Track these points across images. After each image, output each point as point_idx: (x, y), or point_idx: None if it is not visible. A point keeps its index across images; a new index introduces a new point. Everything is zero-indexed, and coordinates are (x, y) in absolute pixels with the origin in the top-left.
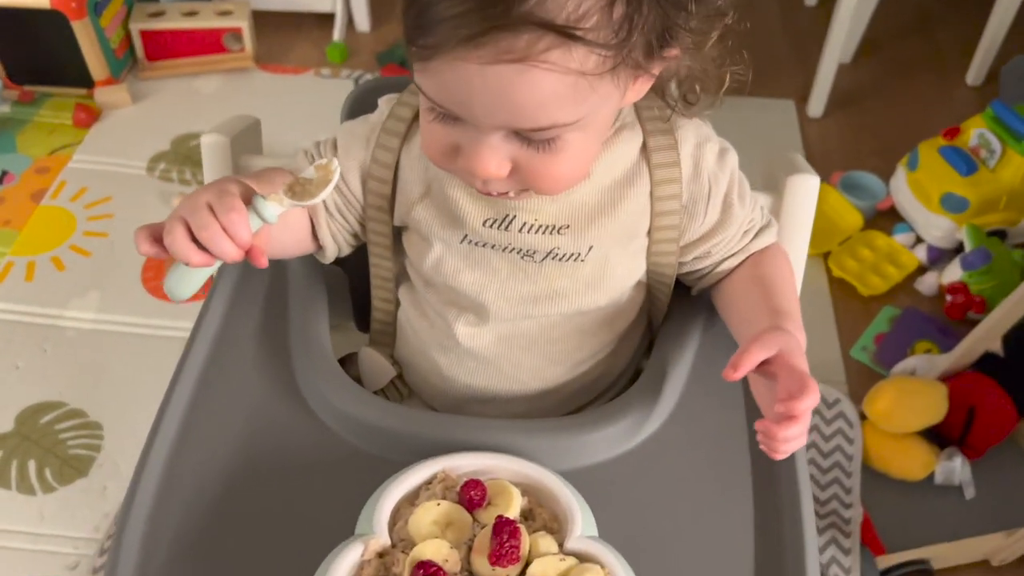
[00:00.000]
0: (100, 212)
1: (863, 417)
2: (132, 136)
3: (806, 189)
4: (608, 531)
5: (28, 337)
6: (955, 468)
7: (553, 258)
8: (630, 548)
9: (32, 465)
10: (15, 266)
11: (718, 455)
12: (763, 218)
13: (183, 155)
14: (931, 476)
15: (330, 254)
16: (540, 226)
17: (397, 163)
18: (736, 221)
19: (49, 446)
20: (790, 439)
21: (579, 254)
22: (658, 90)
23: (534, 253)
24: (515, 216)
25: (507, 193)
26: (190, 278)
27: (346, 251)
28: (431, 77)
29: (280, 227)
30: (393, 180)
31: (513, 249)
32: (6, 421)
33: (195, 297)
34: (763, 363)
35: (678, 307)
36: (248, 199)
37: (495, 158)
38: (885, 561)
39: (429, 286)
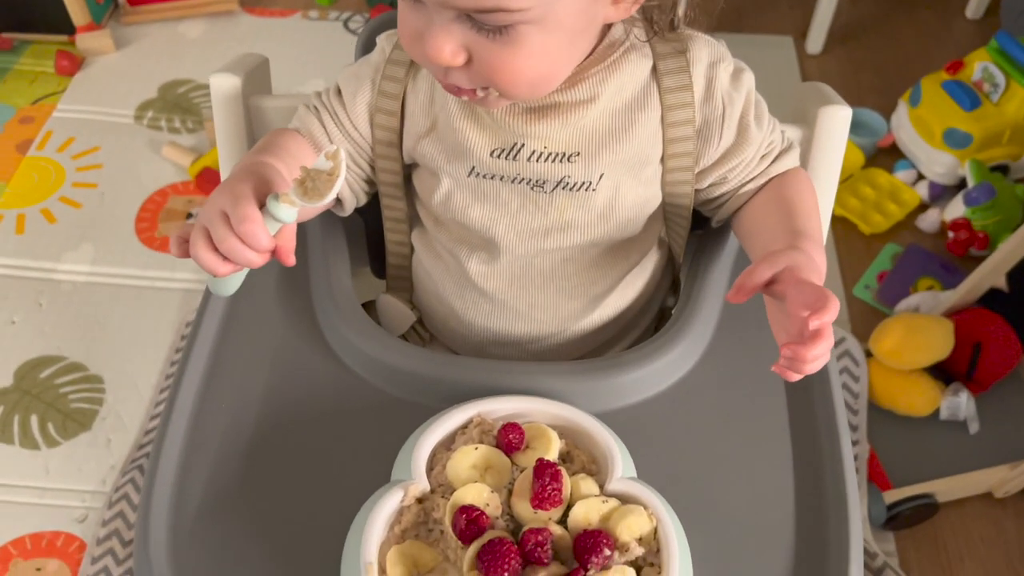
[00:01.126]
0: (89, 163)
1: (868, 355)
2: (117, 83)
3: (838, 120)
4: (646, 472)
5: (23, 291)
6: (960, 403)
7: (564, 188)
8: (669, 489)
9: (34, 420)
10: (5, 219)
11: (752, 394)
12: (783, 142)
13: (171, 102)
14: (936, 412)
15: (348, 206)
16: (549, 154)
17: (404, 95)
18: (753, 143)
19: (50, 400)
20: (817, 358)
21: (590, 183)
22: (647, 12)
23: (544, 183)
24: (523, 144)
25: (474, 92)
26: (227, 280)
27: (363, 200)
28: None
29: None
30: (401, 113)
31: (522, 180)
32: (5, 376)
33: None
34: (772, 283)
35: (704, 246)
36: (263, 198)
37: (449, 43)
38: (891, 496)
39: (439, 225)
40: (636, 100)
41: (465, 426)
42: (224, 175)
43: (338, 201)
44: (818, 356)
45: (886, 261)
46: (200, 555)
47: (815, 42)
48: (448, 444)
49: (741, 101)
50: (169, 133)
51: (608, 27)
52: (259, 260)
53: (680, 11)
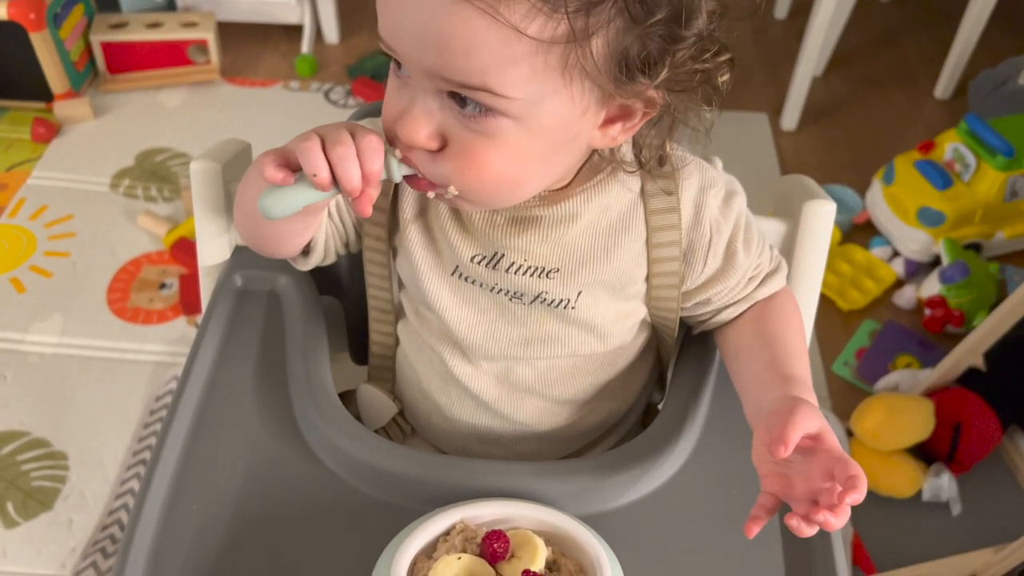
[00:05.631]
0: (62, 231)
1: (849, 434)
2: (94, 151)
3: (823, 215)
4: None
5: None
6: (943, 485)
7: (542, 302)
8: None
9: None
10: None
11: (742, 493)
12: (771, 262)
13: (148, 171)
14: (919, 493)
15: (313, 260)
16: (529, 267)
17: None
18: (739, 269)
19: (11, 478)
20: (838, 527)
21: (568, 300)
22: (635, 147)
23: (522, 295)
24: (503, 255)
25: (432, 185)
26: (293, 197)
27: (330, 259)
28: (381, 5)
29: (298, 215)
30: (393, 195)
31: (501, 290)
32: None
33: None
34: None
35: (690, 341)
36: None
37: (427, 124)
38: None
39: (422, 320)
40: (621, 221)
41: (447, 533)
42: (202, 261)
43: (306, 252)
44: (839, 525)
45: (864, 338)
46: None
47: (790, 119)
48: (429, 552)
49: (729, 228)
50: (145, 202)
51: (594, 149)
52: (357, 183)
53: (668, 149)
